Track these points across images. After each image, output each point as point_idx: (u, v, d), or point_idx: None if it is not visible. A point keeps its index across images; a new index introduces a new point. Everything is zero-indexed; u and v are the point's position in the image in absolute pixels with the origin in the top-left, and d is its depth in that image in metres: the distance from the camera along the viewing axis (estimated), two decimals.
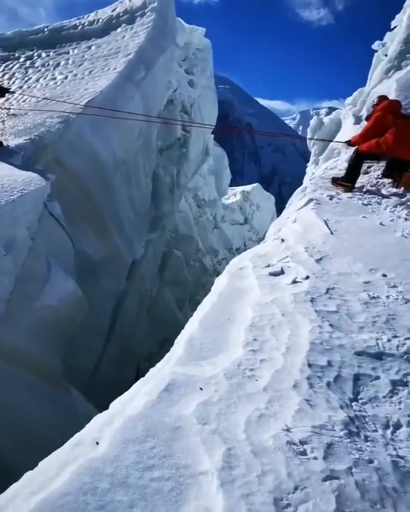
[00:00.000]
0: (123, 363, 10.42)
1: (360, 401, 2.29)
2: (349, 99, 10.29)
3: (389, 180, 6.20)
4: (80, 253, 7.72)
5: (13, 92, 8.86)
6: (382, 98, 6.74)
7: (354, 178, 6.24)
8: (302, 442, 1.95)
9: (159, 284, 14.97)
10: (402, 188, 5.89)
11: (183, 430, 2.01)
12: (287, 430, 2.02)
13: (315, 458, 1.88)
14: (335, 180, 6.26)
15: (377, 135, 6.21)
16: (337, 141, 8.01)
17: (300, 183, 10.02)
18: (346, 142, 6.91)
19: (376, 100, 6.78)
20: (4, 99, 9.17)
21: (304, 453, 1.90)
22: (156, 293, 14.70)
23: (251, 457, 1.86)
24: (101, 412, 2.43)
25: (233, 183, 31.28)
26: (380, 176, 6.35)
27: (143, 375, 2.79)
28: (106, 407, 2.46)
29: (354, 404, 2.25)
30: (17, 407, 5.21)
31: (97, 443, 1.97)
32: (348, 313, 3.07)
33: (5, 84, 11.01)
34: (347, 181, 6.20)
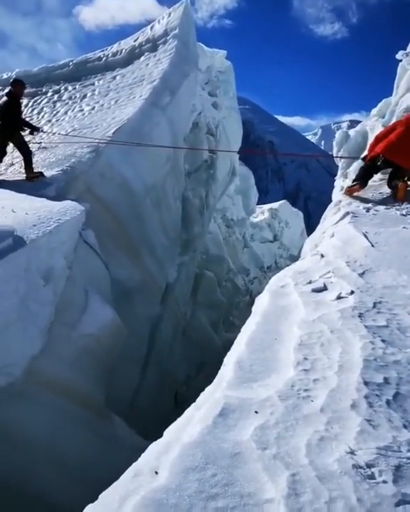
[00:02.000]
0: (161, 389, 10.36)
1: None
2: (374, 110, 10.21)
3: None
4: (115, 280, 7.77)
5: (44, 131, 9.16)
6: None
7: (365, 179, 6.36)
8: (369, 465, 1.87)
9: (192, 307, 14.94)
10: (399, 201, 5.89)
11: (243, 456, 1.94)
12: (352, 453, 1.93)
13: (385, 481, 1.79)
14: (347, 189, 6.38)
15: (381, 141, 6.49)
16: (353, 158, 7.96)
17: (326, 198, 9.92)
18: (362, 159, 7.03)
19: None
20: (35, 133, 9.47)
21: (372, 477, 1.82)
22: (191, 315, 14.66)
23: (317, 483, 1.78)
24: (145, 439, 2.39)
25: (259, 201, 31.35)
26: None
27: (182, 401, 2.74)
28: (147, 435, 2.41)
29: None
30: (62, 437, 5.19)
31: (156, 472, 1.93)
32: (399, 328, 2.98)
33: (34, 119, 11.41)
34: (356, 180, 6.32)
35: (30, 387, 4.84)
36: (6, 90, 8.08)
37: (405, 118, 6.63)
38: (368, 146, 6.90)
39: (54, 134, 9.78)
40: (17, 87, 8.01)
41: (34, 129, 8.41)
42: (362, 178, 6.34)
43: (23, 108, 11.57)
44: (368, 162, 6.49)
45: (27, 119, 9.86)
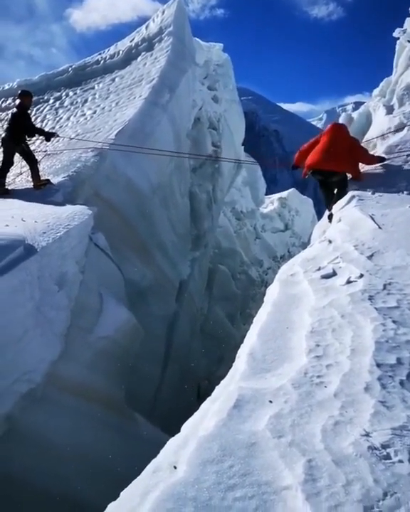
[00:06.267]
0: (183, 385, 10.42)
1: None
2: (376, 91, 10.11)
3: None
4: (128, 280, 7.83)
5: (58, 136, 9.13)
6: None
7: (329, 200, 6.39)
8: (385, 446, 1.87)
9: (208, 302, 14.99)
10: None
11: (259, 446, 1.96)
12: (367, 435, 1.94)
13: (401, 461, 1.80)
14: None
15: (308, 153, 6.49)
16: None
17: None
18: (292, 167, 7.09)
19: None
20: (39, 141, 9.53)
21: (388, 457, 1.82)
22: (207, 310, 14.71)
23: (333, 467, 1.80)
24: (169, 434, 2.42)
25: (268, 191, 31.18)
26: None
27: (205, 395, 2.76)
28: (172, 431, 2.43)
29: None
30: (86, 439, 5.26)
31: (175, 467, 1.95)
32: None
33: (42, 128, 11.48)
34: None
35: (51, 392, 4.91)
36: (17, 102, 8.18)
37: (327, 129, 6.56)
38: (295, 157, 6.89)
39: (71, 139, 9.71)
40: (25, 98, 8.14)
41: (49, 136, 8.45)
42: (327, 204, 6.42)
43: None
44: (304, 177, 6.55)
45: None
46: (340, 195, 5.96)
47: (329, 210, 6.28)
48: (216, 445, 1.98)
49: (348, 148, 6.15)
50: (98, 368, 5.75)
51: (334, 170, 6.13)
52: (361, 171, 6.27)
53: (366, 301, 3.09)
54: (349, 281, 3.44)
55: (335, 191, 6.43)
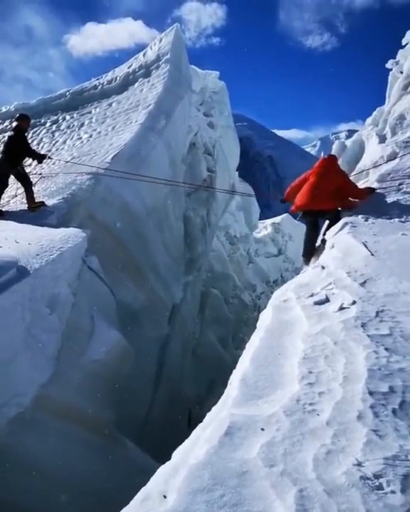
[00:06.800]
0: (174, 408, 10.30)
1: None
2: (369, 120, 10.33)
3: None
4: (121, 303, 7.79)
5: (50, 157, 9.23)
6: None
7: (309, 251, 6.55)
8: (377, 476, 1.86)
9: (200, 325, 14.93)
10: None
11: (250, 474, 1.94)
12: (359, 464, 1.92)
13: (393, 491, 1.78)
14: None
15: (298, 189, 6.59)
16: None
17: None
18: (281, 201, 7.21)
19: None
20: (35, 163, 9.59)
21: (380, 487, 1.80)
22: (199, 334, 14.64)
23: (325, 497, 1.77)
24: (157, 461, 2.38)
25: (262, 216, 31.38)
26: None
27: (196, 421, 2.73)
28: (161, 455, 2.40)
29: None
30: (74, 464, 5.16)
31: (165, 496, 1.92)
32: (402, 335, 2.97)
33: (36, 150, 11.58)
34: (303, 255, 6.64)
35: (40, 415, 4.83)
36: (14, 124, 8.26)
37: (316, 166, 6.61)
38: (286, 192, 6.99)
39: (66, 162, 9.78)
40: (23, 122, 8.26)
41: (41, 158, 8.51)
42: (307, 254, 6.59)
43: None
44: (293, 213, 6.66)
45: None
46: (333, 223, 6.02)
47: (306, 260, 6.50)
48: (207, 473, 1.95)
49: (336, 186, 6.22)
50: (88, 391, 5.68)
51: (323, 209, 6.25)
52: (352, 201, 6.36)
53: (358, 328, 3.09)
54: (341, 308, 3.45)
55: (323, 231, 6.55)
